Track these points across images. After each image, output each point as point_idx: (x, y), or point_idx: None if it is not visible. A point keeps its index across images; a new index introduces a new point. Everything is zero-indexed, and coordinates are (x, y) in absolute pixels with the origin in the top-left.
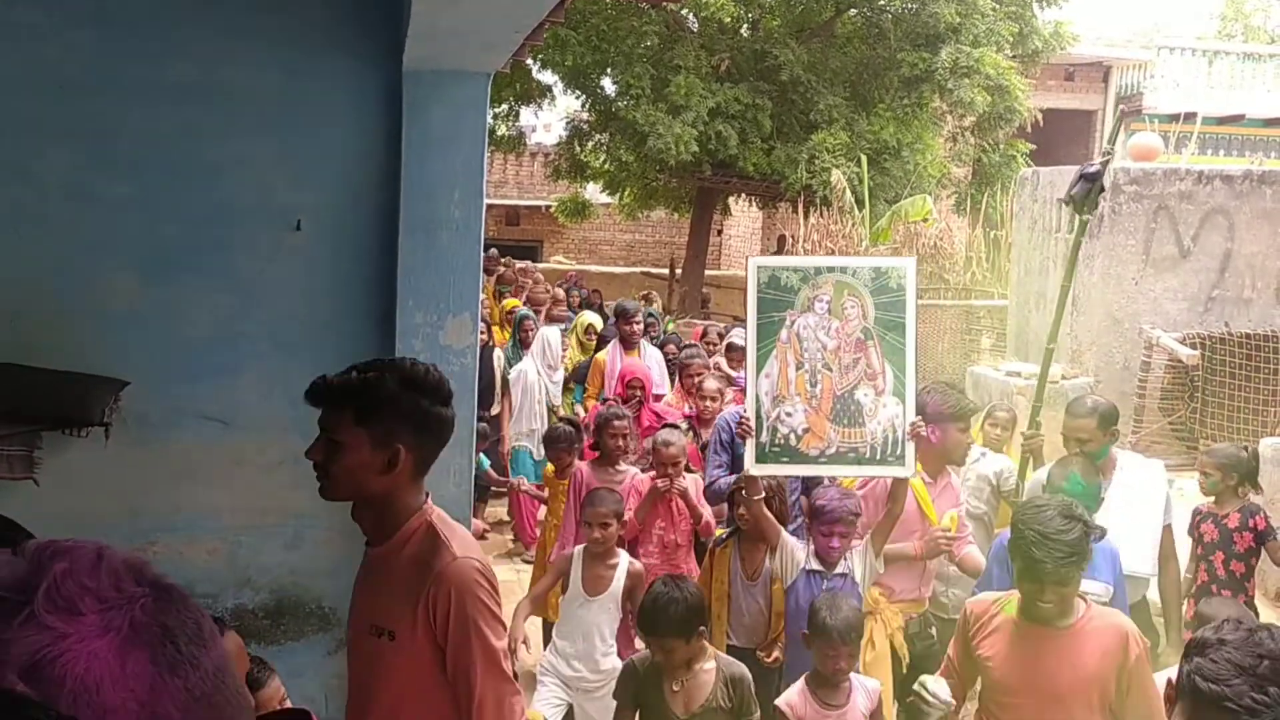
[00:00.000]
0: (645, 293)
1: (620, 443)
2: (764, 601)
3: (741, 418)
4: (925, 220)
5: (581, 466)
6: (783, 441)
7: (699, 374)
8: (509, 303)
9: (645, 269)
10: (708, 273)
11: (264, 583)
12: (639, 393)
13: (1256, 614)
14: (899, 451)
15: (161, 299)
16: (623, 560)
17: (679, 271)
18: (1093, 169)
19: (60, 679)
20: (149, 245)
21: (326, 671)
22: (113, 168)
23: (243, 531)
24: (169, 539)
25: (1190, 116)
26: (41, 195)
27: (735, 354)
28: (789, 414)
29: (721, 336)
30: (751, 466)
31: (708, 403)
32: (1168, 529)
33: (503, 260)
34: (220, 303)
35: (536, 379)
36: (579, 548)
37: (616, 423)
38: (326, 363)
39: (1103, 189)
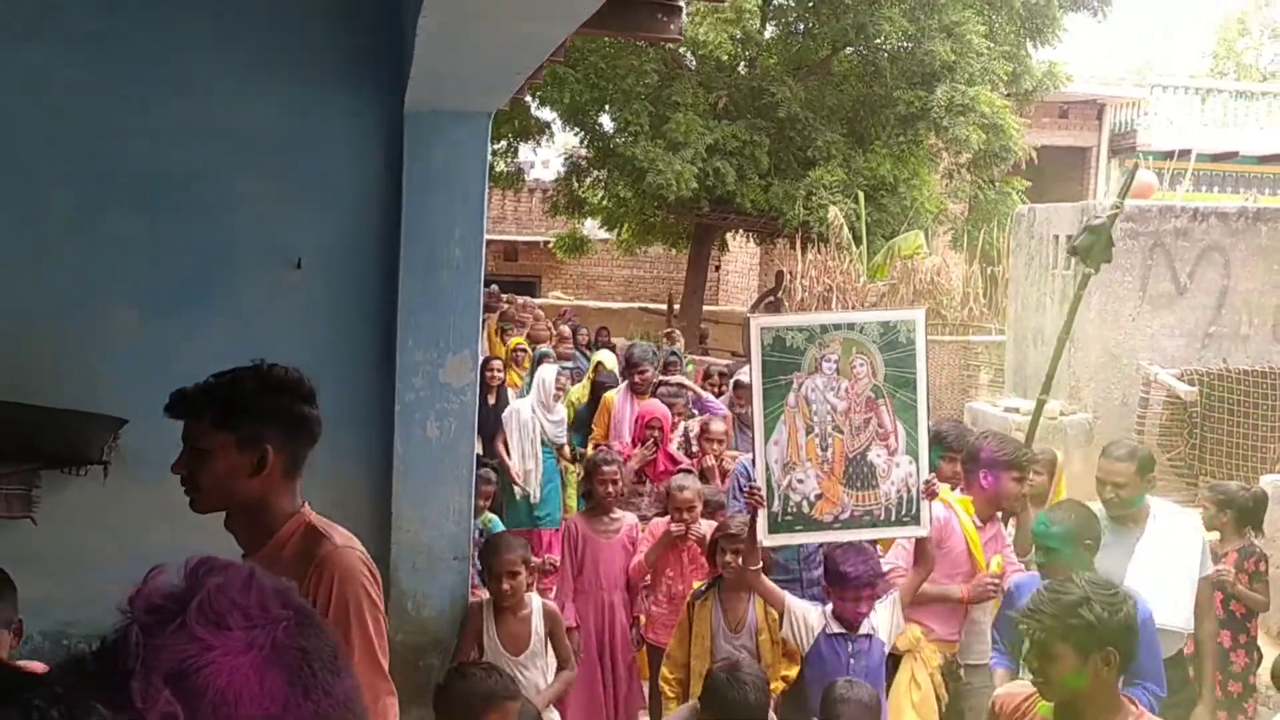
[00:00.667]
0: (669, 330)
1: (611, 489)
2: (750, 654)
3: (751, 487)
4: (916, 255)
5: (574, 518)
6: (795, 509)
7: (679, 416)
8: (514, 340)
9: (643, 304)
10: (705, 308)
11: None
12: (657, 434)
13: (1260, 654)
14: (914, 511)
15: (162, 336)
16: (534, 605)
17: (677, 307)
18: (1098, 221)
19: (203, 689)
20: (150, 282)
21: None
22: (114, 205)
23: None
24: None
25: (1184, 154)
26: (43, 232)
27: (741, 391)
28: (800, 480)
29: (724, 376)
30: (764, 537)
31: (715, 445)
32: (1204, 581)
33: (504, 297)
34: (221, 340)
35: (531, 417)
36: (484, 600)
37: (606, 468)
38: (327, 400)
39: (1111, 242)
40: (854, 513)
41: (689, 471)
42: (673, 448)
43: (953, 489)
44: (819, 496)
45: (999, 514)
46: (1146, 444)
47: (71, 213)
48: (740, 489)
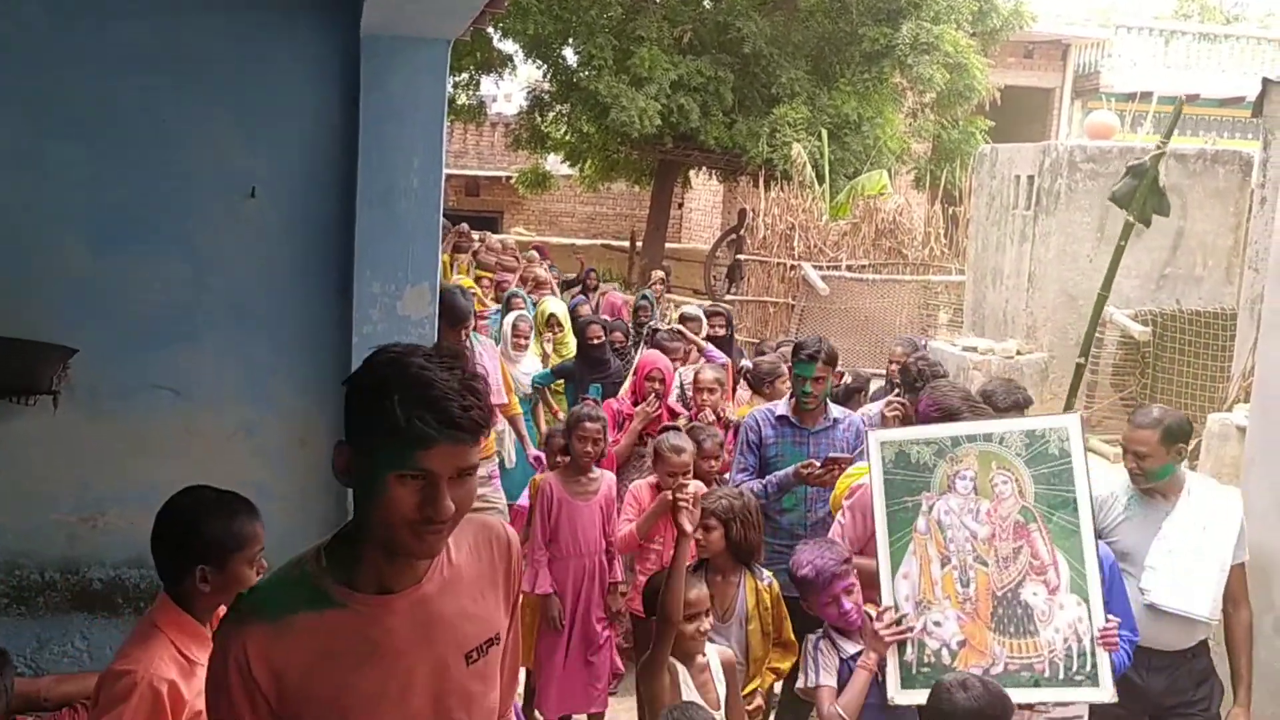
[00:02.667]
0: (663, 272)
1: (591, 449)
2: (739, 647)
3: (896, 616)
4: (881, 194)
5: (548, 477)
6: (933, 659)
7: (679, 362)
8: (465, 281)
9: (606, 241)
10: (668, 246)
11: None
12: (659, 386)
13: None
14: (1089, 667)
15: (111, 266)
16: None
17: (639, 245)
18: (1138, 163)
19: None
20: (99, 212)
21: None
22: (61, 133)
23: None
24: (119, 510)
25: (1146, 96)
26: None
27: (691, 324)
28: (938, 623)
29: (688, 320)
30: (896, 694)
31: (705, 395)
32: (1239, 568)
33: (477, 236)
34: (172, 270)
35: (494, 367)
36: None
37: (589, 424)
38: (283, 332)
39: (1160, 190)
40: (1008, 666)
41: (676, 429)
42: (672, 399)
43: None
44: (962, 644)
45: None
46: (1100, 383)
47: (14, 140)
48: (749, 443)
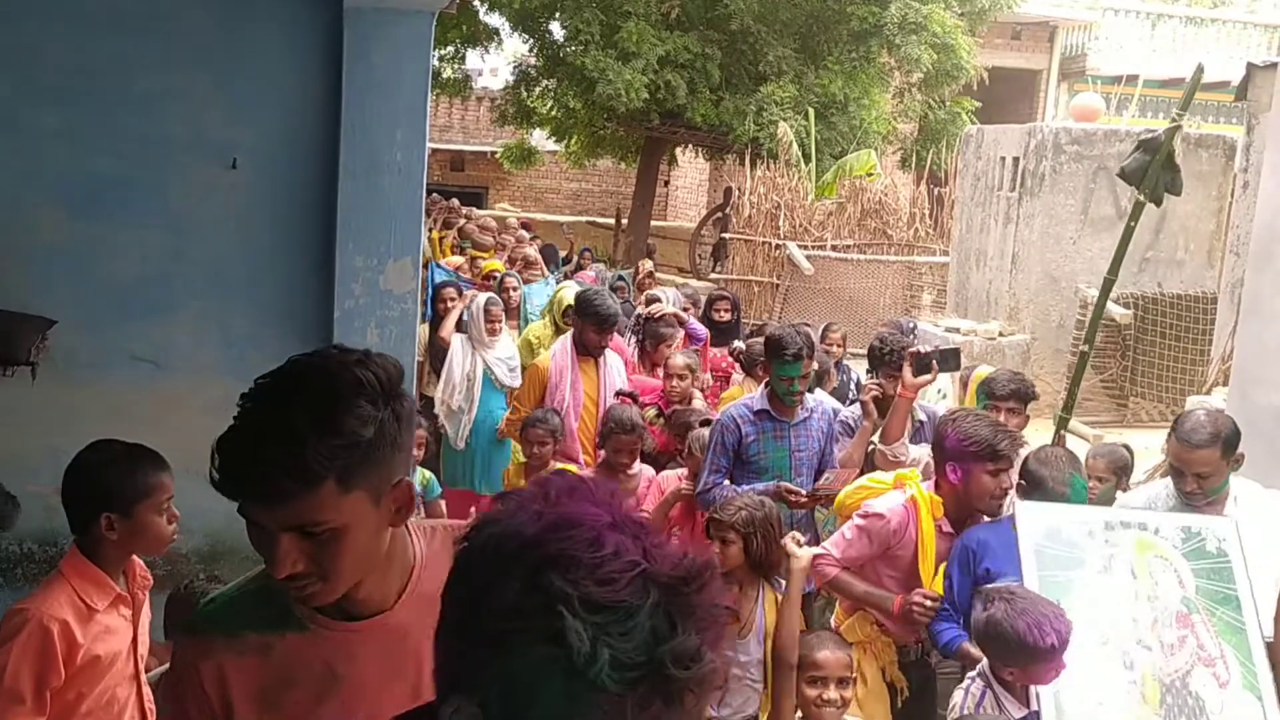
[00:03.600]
0: (651, 263)
1: (627, 458)
2: (757, 665)
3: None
4: (870, 175)
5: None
6: None
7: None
8: (489, 265)
9: (591, 218)
10: (654, 223)
11: (198, 526)
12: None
13: None
14: None
15: (90, 235)
16: None
17: (625, 221)
18: (1151, 136)
19: None
20: (77, 179)
21: None
22: (39, 98)
23: (177, 474)
24: None
25: (1132, 79)
26: None
27: (654, 306)
28: (1100, 703)
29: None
30: None
31: (675, 381)
32: None
33: (466, 211)
34: (152, 240)
35: (463, 350)
36: None
37: (624, 437)
38: (264, 304)
39: (1174, 166)
40: None
41: (708, 421)
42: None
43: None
44: None
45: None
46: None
47: None
48: (724, 444)
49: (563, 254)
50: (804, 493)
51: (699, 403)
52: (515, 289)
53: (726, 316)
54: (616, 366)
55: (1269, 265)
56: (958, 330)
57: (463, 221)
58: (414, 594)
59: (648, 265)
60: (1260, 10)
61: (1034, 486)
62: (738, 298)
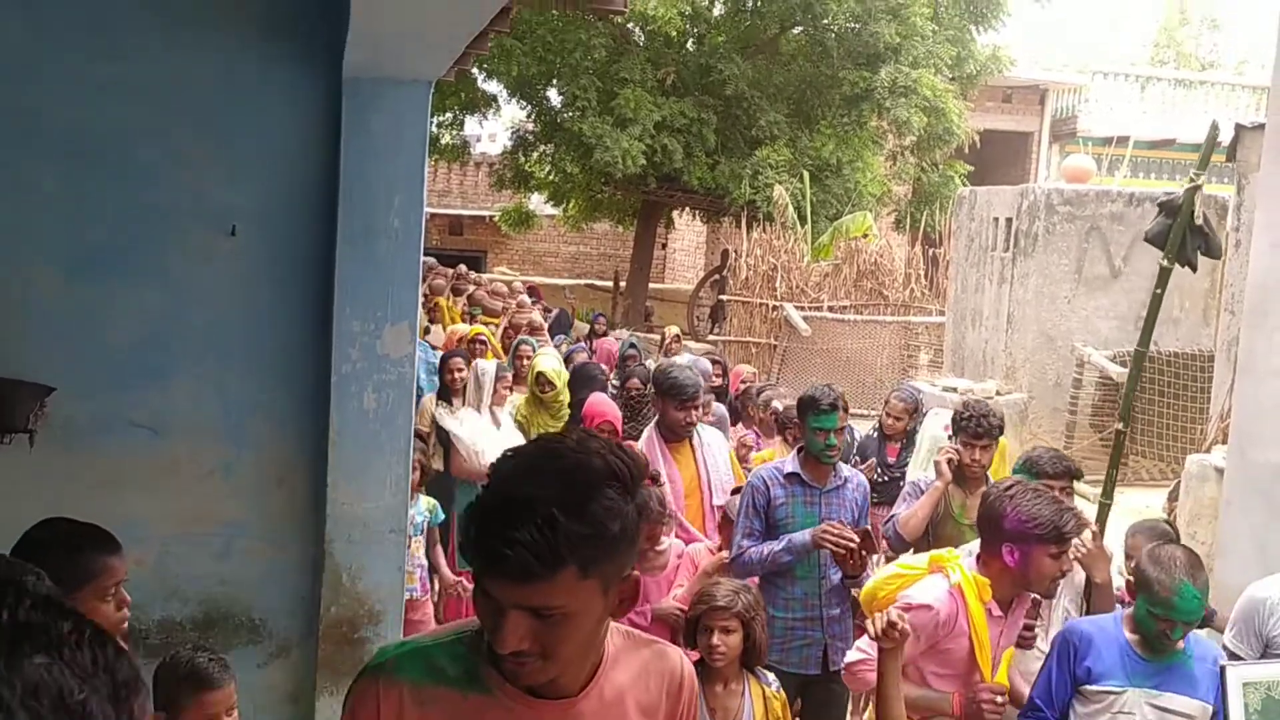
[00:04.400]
0: (676, 329)
1: (657, 549)
2: None
3: None
4: (866, 236)
5: None
6: None
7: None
8: (473, 329)
9: (589, 281)
10: (651, 286)
11: (193, 593)
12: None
13: None
14: None
15: (89, 301)
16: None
17: (623, 284)
18: (1169, 198)
19: None
20: (76, 244)
21: (256, 684)
22: (39, 164)
23: (171, 541)
24: None
25: (1123, 140)
26: None
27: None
28: None
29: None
30: None
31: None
32: None
33: (474, 279)
34: (151, 306)
35: (468, 425)
36: None
37: (655, 527)
38: (262, 369)
39: (1200, 230)
40: None
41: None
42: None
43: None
44: None
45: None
46: (1080, 424)
47: None
48: (755, 506)
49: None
50: (849, 531)
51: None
52: (529, 357)
53: (717, 381)
54: (716, 443)
55: (1264, 323)
56: (954, 389)
57: (472, 288)
58: (598, 687)
59: (673, 330)
60: (1248, 72)
61: (1140, 587)
62: (725, 359)
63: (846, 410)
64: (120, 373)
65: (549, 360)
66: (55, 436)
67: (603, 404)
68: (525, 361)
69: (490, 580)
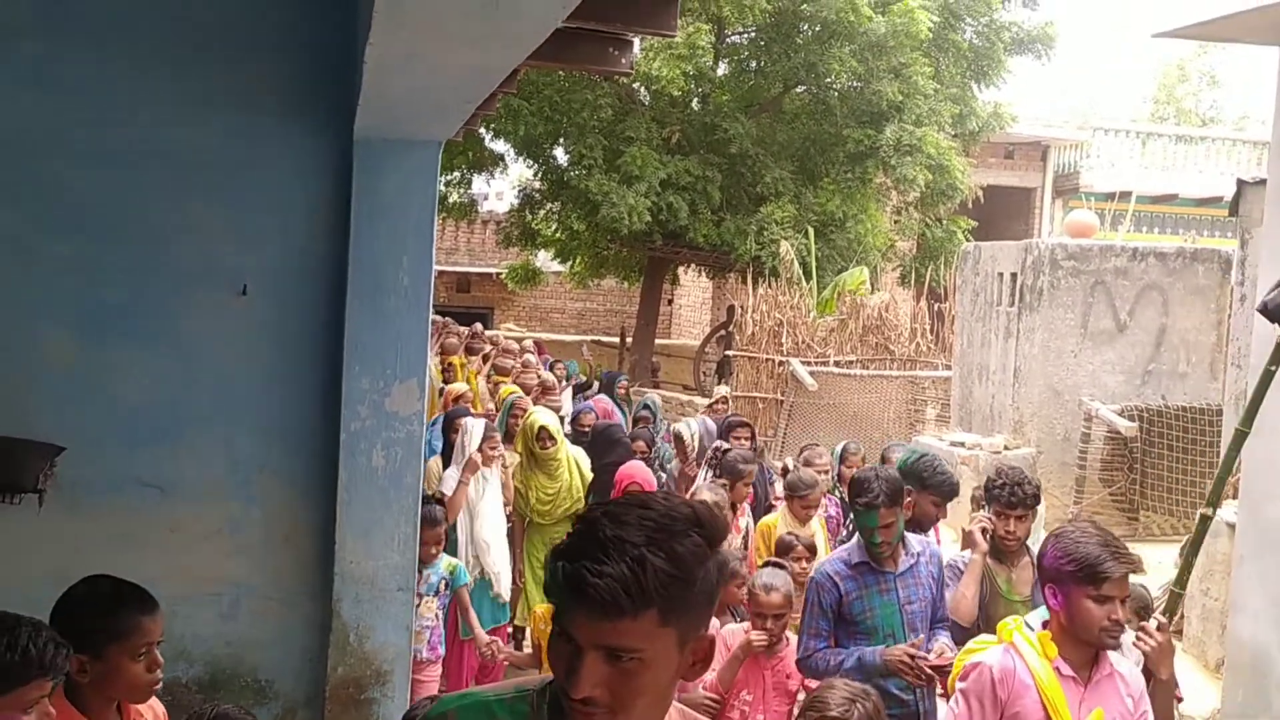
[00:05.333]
0: (655, 368)
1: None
2: None
3: None
4: (860, 290)
5: None
6: None
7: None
8: (506, 390)
9: (596, 337)
10: (658, 341)
11: (199, 654)
12: None
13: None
14: None
15: (100, 363)
16: None
17: (629, 340)
18: None
19: None
20: (88, 307)
21: None
22: (54, 229)
23: (178, 601)
24: None
25: (1125, 195)
26: None
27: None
28: None
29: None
30: None
31: (769, 623)
32: None
33: (491, 337)
34: (161, 367)
35: (447, 485)
36: None
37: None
38: (270, 427)
39: None
40: None
41: (780, 566)
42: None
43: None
44: None
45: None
46: (1089, 478)
47: (9, 236)
48: (821, 605)
49: (581, 378)
50: (927, 657)
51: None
52: (524, 413)
53: (746, 444)
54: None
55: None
56: (962, 444)
57: (487, 348)
58: None
59: (721, 390)
60: (1248, 128)
61: None
62: (751, 423)
63: (896, 501)
64: (130, 432)
65: (547, 414)
66: (64, 496)
67: (640, 472)
68: (518, 420)
69: (573, 618)
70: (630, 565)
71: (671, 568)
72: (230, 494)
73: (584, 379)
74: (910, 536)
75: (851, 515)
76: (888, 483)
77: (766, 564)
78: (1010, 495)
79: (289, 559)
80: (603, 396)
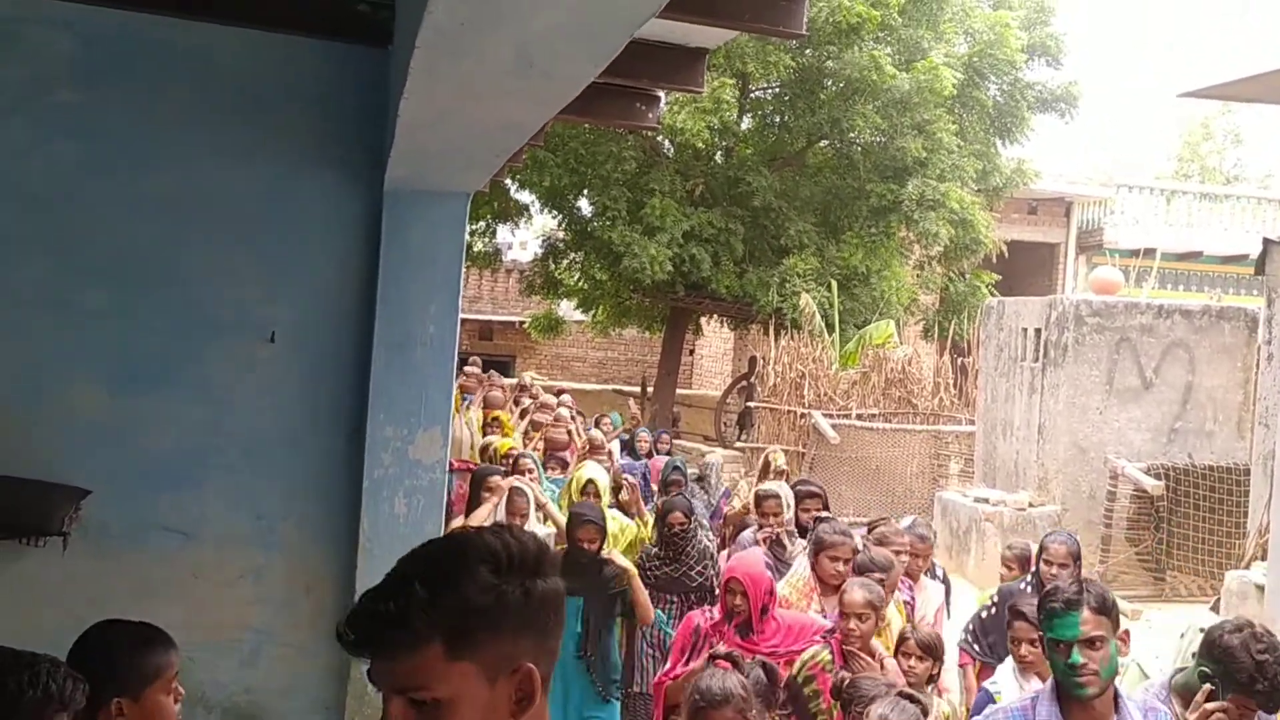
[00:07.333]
0: (676, 419)
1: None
2: None
3: None
4: (887, 344)
5: None
6: None
7: (840, 560)
8: (503, 445)
9: (617, 386)
10: (679, 392)
11: (218, 700)
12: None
13: None
14: None
15: (130, 409)
16: None
17: (650, 390)
18: None
19: None
20: (120, 355)
21: None
22: (87, 277)
23: (198, 647)
24: None
25: (1150, 252)
26: (14, 304)
27: (769, 502)
28: None
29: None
30: None
31: (853, 623)
32: None
33: (531, 390)
34: (189, 414)
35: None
36: None
37: (721, 714)
38: (295, 474)
39: None
40: None
41: (913, 699)
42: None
43: None
44: None
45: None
46: (1115, 537)
47: (41, 284)
48: None
49: (624, 431)
50: None
51: (883, 652)
52: (530, 470)
53: (806, 515)
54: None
55: None
56: (986, 500)
57: (527, 402)
58: None
59: (777, 459)
60: (1273, 186)
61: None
62: (824, 491)
63: (1107, 612)
64: (156, 478)
65: (596, 470)
66: (89, 540)
67: (754, 566)
68: (529, 477)
69: (371, 668)
70: (395, 599)
71: (444, 598)
72: (253, 541)
73: (628, 434)
74: (1131, 701)
75: (1044, 630)
76: (1098, 589)
77: (898, 694)
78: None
79: (310, 608)
80: (659, 459)
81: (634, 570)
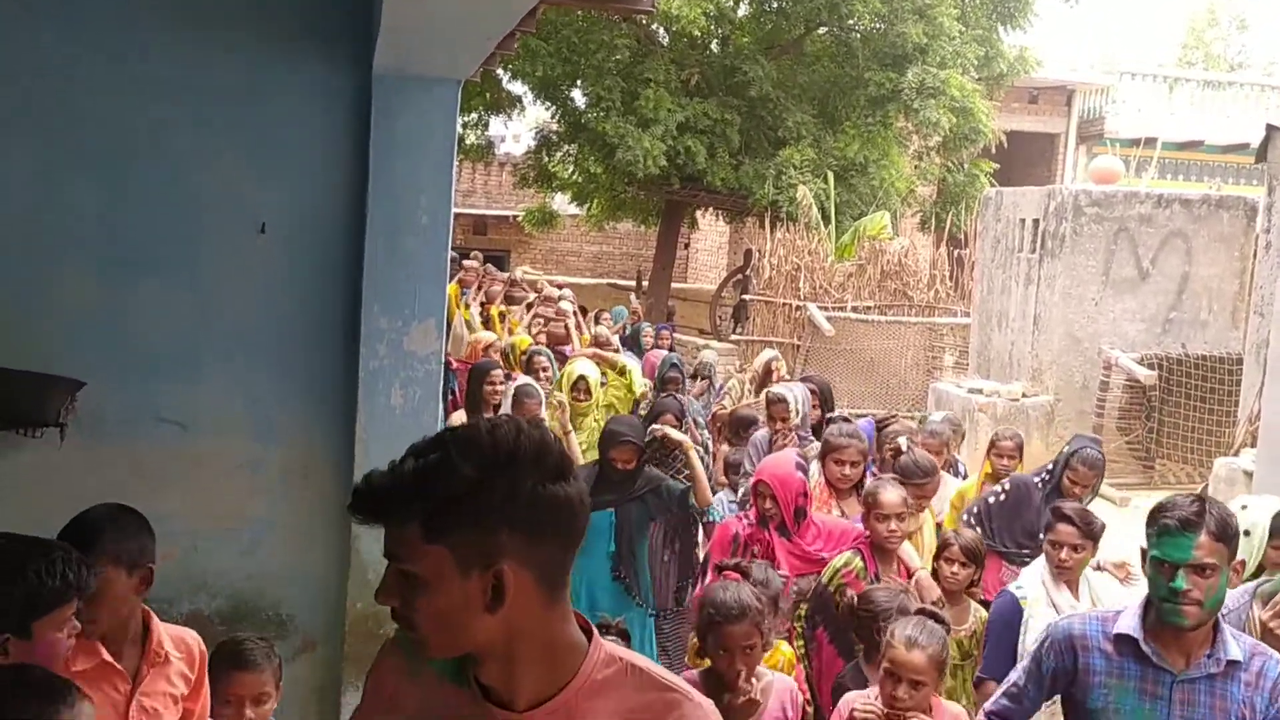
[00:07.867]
0: (671, 312)
1: (740, 661)
2: None
3: None
4: (881, 235)
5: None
6: None
7: (847, 464)
8: (522, 341)
9: (611, 280)
10: (674, 285)
11: (220, 588)
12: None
13: None
14: None
15: (120, 298)
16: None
17: (645, 284)
18: None
19: None
20: (107, 245)
21: (284, 678)
22: (73, 164)
23: (199, 536)
24: None
25: (1151, 141)
26: (1, 194)
27: (777, 407)
28: None
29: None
30: None
31: (892, 523)
32: None
33: (535, 284)
34: (181, 303)
35: None
36: None
37: (734, 628)
38: (289, 365)
39: None
40: None
41: (936, 619)
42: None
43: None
44: None
45: None
46: (1106, 426)
47: (28, 175)
48: (1041, 669)
49: (627, 328)
50: None
51: (916, 560)
52: (545, 369)
53: (815, 411)
54: None
55: None
56: (980, 391)
57: (530, 296)
58: (562, 707)
59: (780, 367)
60: (1277, 73)
61: None
62: (827, 385)
63: (1225, 538)
64: (150, 368)
65: (587, 365)
66: (85, 431)
67: (783, 466)
68: (541, 374)
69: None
70: (388, 474)
71: (425, 482)
72: (249, 430)
73: (630, 329)
74: (1236, 638)
75: (1150, 545)
76: (1220, 510)
77: (919, 612)
78: None
79: (308, 494)
80: (654, 353)
81: (690, 442)
